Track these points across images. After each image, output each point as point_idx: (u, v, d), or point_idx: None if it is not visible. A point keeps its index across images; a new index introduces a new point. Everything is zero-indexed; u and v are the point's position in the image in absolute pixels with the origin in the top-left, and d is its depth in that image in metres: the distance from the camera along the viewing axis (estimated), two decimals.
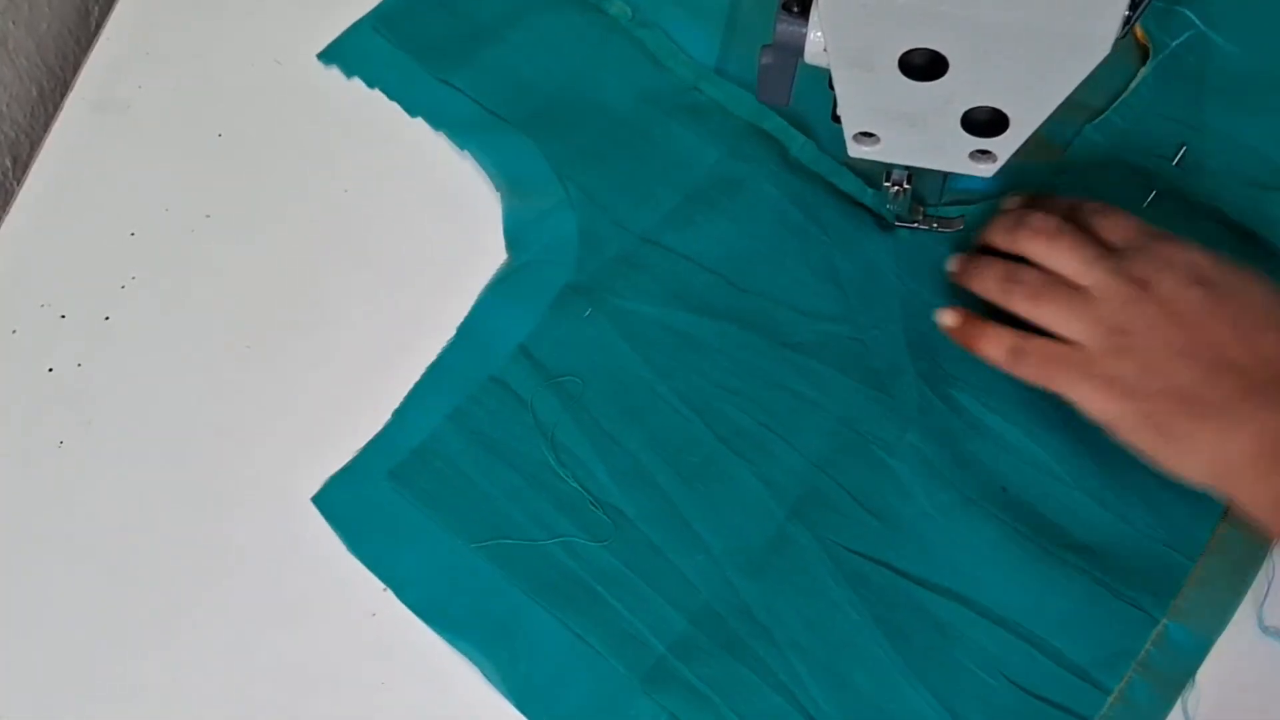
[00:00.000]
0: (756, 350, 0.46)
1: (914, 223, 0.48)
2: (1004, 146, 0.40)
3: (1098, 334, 0.41)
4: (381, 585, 0.43)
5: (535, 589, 0.42)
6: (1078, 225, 0.44)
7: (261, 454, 0.46)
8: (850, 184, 0.50)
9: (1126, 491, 0.43)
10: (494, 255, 0.49)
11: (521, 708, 0.41)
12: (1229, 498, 0.40)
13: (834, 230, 0.48)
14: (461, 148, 0.51)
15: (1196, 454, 0.39)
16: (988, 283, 0.44)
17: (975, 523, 0.43)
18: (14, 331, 0.48)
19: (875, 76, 0.36)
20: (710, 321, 0.47)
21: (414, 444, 0.45)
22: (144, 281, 0.49)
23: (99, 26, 0.55)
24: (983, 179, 0.43)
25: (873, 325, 0.47)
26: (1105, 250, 0.42)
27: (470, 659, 0.42)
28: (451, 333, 0.47)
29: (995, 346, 0.43)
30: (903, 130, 0.40)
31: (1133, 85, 0.51)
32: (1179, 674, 0.41)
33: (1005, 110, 0.37)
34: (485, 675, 0.42)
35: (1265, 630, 0.42)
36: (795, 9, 0.38)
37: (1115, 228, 0.43)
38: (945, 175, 0.46)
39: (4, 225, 0.50)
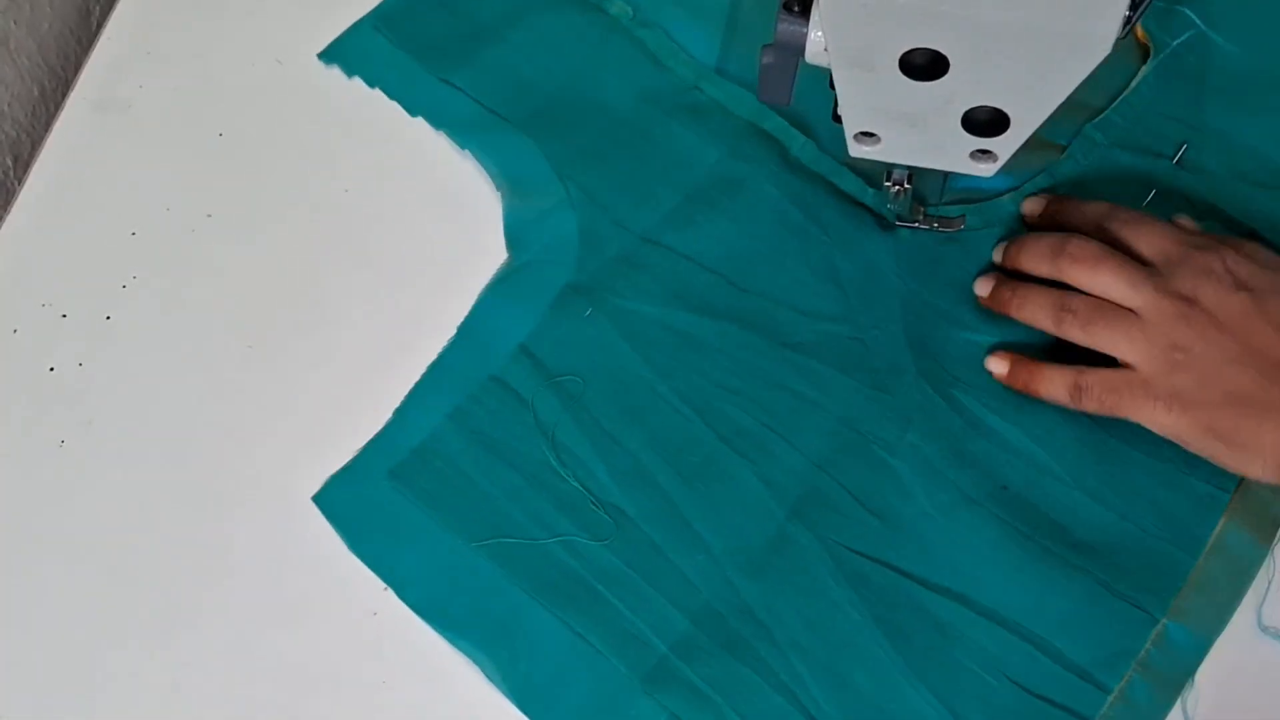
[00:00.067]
0: (757, 350, 0.46)
1: (915, 222, 0.48)
2: (1004, 146, 0.40)
3: (1153, 354, 0.42)
4: (382, 585, 0.43)
5: (536, 588, 0.42)
6: (1111, 239, 0.44)
7: (262, 454, 0.46)
8: (851, 184, 0.50)
9: (1127, 490, 0.43)
10: (494, 255, 0.49)
11: (522, 707, 0.41)
12: None
13: (834, 230, 0.48)
14: (462, 147, 0.51)
15: (1261, 455, 0.40)
16: (1038, 313, 0.44)
17: (976, 522, 0.43)
18: (14, 331, 0.48)
19: (876, 76, 0.36)
20: (711, 321, 0.47)
21: (414, 443, 0.45)
22: (145, 281, 0.49)
23: (100, 26, 0.55)
24: (986, 178, 0.43)
25: (873, 325, 0.47)
26: (1147, 270, 0.43)
27: (471, 658, 0.42)
28: (452, 332, 0.47)
29: (1055, 387, 0.44)
30: (903, 130, 0.40)
31: (1133, 84, 0.51)
32: (1179, 674, 0.41)
33: (1006, 110, 0.37)
34: (486, 674, 0.42)
35: (1264, 630, 0.42)
36: (796, 9, 0.38)
37: (1151, 241, 0.44)
38: (946, 175, 0.46)
39: (5, 225, 0.50)
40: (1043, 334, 0.45)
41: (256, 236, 0.50)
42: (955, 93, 0.36)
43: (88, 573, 0.44)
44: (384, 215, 0.50)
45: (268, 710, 0.42)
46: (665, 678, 0.41)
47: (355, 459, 0.45)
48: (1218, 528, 0.43)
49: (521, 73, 0.52)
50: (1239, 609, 0.42)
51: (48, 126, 0.53)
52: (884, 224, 0.49)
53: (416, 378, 0.46)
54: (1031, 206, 0.48)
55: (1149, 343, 0.42)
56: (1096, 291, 0.43)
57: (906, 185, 0.46)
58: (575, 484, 0.44)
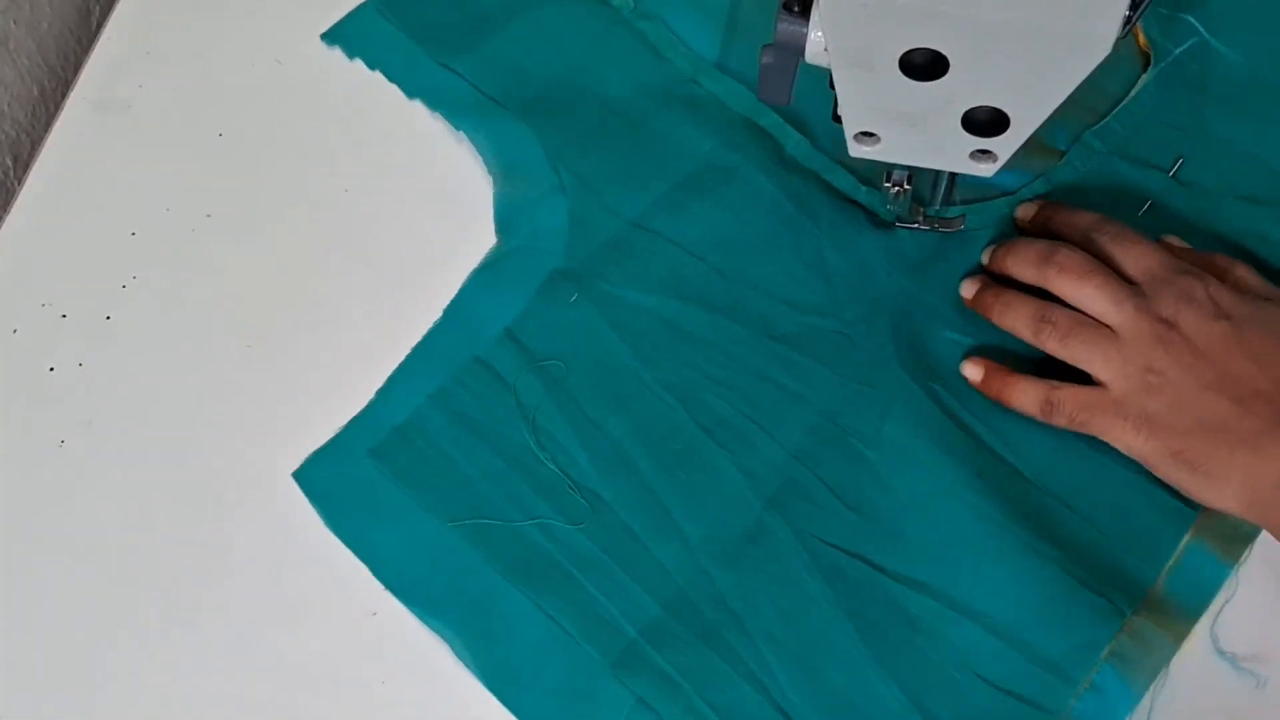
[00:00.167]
0: (742, 341, 0.46)
1: (914, 223, 0.48)
2: (1004, 146, 0.40)
3: (1128, 374, 0.42)
4: (381, 585, 0.43)
5: (511, 570, 0.43)
6: (1098, 252, 0.44)
7: (262, 454, 0.46)
8: (844, 181, 0.50)
9: (1096, 498, 0.44)
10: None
11: (492, 688, 0.41)
12: (1266, 527, 0.41)
13: (826, 224, 0.49)
14: (457, 129, 0.51)
15: (1229, 486, 0.40)
16: (1017, 321, 0.45)
17: (951, 513, 0.43)
18: (14, 331, 0.48)
19: (876, 76, 0.36)
20: (697, 310, 0.47)
21: (396, 423, 0.45)
22: (144, 281, 0.49)
23: (100, 26, 0.55)
24: (990, 177, 0.43)
25: (859, 320, 0.47)
26: (1131, 288, 0.43)
27: (443, 638, 0.42)
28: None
29: (1027, 399, 0.44)
30: (903, 130, 0.40)
31: (1133, 92, 0.51)
32: (1152, 663, 0.41)
33: (1006, 110, 0.37)
34: (457, 655, 0.42)
35: (1221, 654, 0.42)
36: (796, 9, 0.38)
37: (1136, 260, 0.44)
38: (946, 175, 0.46)
39: (5, 225, 0.50)
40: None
41: (256, 236, 0.50)
42: (955, 93, 0.36)
43: (88, 573, 0.44)
44: (384, 215, 0.50)
45: (268, 710, 0.42)
46: (634, 662, 0.41)
47: (336, 437, 0.45)
48: (1182, 543, 0.43)
49: (521, 61, 0.52)
50: (1196, 627, 0.42)
51: (47, 126, 0.53)
52: (876, 221, 0.49)
53: None
54: (1024, 212, 0.48)
55: (1124, 362, 0.42)
56: (1078, 304, 0.43)
57: (906, 186, 0.46)
58: (554, 468, 0.44)
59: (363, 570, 0.43)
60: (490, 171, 0.50)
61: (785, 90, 0.40)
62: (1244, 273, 0.44)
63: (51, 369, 0.47)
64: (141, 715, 0.42)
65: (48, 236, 0.50)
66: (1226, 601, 0.42)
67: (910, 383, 0.45)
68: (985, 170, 0.42)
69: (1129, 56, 0.52)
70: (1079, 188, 0.49)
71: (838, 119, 0.41)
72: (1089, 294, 0.43)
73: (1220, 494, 0.41)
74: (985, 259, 0.48)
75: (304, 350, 0.48)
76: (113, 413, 0.47)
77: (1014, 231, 0.49)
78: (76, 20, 0.60)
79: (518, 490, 0.44)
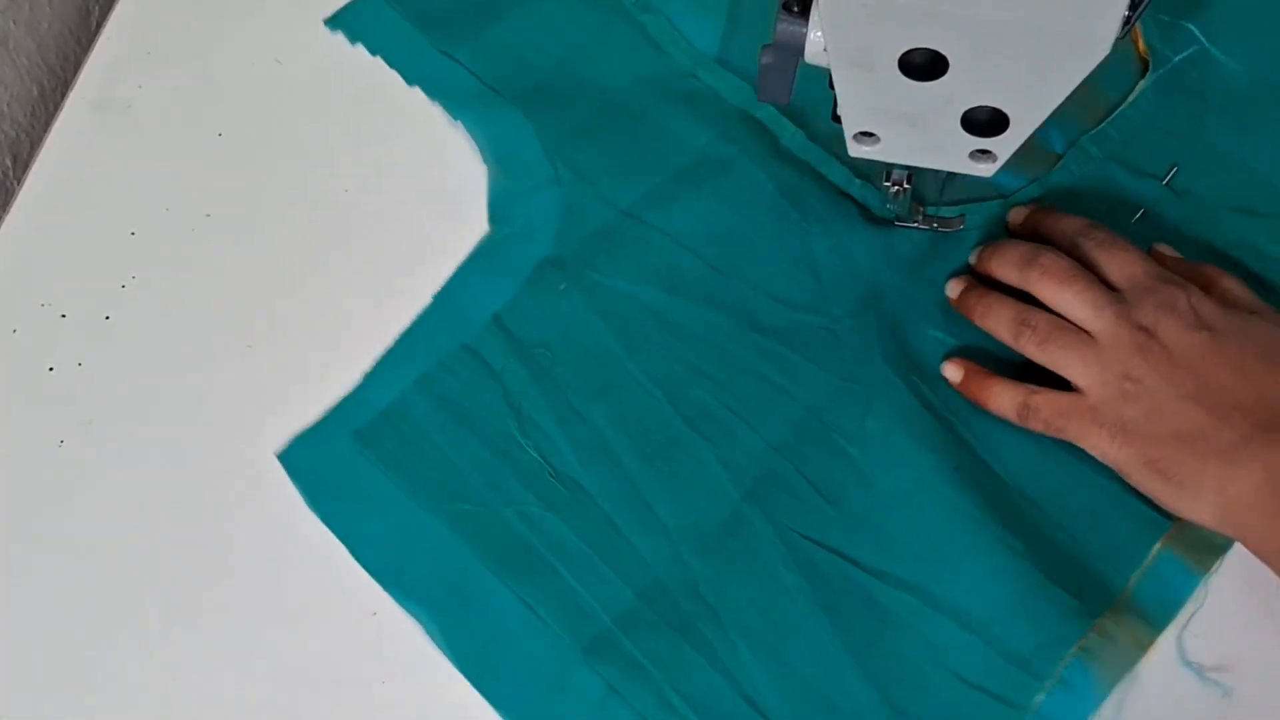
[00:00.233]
0: (728, 334, 0.46)
1: (914, 223, 0.48)
2: (1004, 146, 0.40)
3: (1105, 381, 0.42)
4: (359, 565, 0.43)
5: (489, 556, 0.43)
6: (1083, 257, 0.44)
7: (262, 454, 0.46)
8: (838, 174, 0.50)
9: (1070, 503, 0.44)
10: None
11: (465, 672, 0.42)
12: (1239, 540, 0.41)
13: (816, 218, 0.49)
14: (455, 118, 0.51)
15: (1202, 497, 0.40)
16: (998, 324, 0.45)
17: (928, 508, 0.43)
18: (14, 331, 0.48)
19: (875, 76, 0.36)
20: (685, 302, 0.47)
21: (381, 407, 0.45)
22: (144, 281, 0.49)
23: (99, 26, 0.55)
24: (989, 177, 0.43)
25: (846, 315, 0.47)
26: (1112, 295, 0.43)
27: (419, 621, 0.42)
28: None
29: (1004, 403, 0.44)
30: (903, 130, 0.40)
31: (1130, 98, 0.51)
32: (1120, 663, 0.41)
33: (1005, 110, 0.37)
34: (432, 639, 0.42)
35: (1186, 664, 0.42)
36: (795, 9, 0.38)
37: (1120, 267, 0.44)
38: (945, 175, 0.46)
39: (4, 225, 0.50)
40: None
41: (256, 236, 0.50)
42: (955, 93, 0.36)
43: (88, 573, 0.44)
44: (384, 215, 0.50)
45: (268, 710, 0.42)
46: (606, 649, 0.42)
47: (322, 419, 0.45)
48: (1152, 551, 0.43)
49: (522, 51, 0.53)
50: (1163, 634, 0.42)
51: (47, 126, 0.53)
52: (869, 216, 0.49)
53: None
54: (1016, 215, 0.48)
55: (1102, 369, 0.42)
56: (1059, 308, 0.43)
57: (906, 185, 0.46)
58: (536, 455, 0.44)
59: (362, 570, 0.43)
60: (485, 161, 0.51)
61: (785, 90, 0.40)
62: (1232, 284, 0.44)
63: (51, 369, 0.47)
64: (141, 715, 0.42)
65: (48, 236, 0.50)
66: (1194, 612, 0.42)
67: (894, 379, 0.46)
68: (985, 170, 0.42)
69: (1128, 63, 0.52)
70: (1074, 192, 0.49)
71: (837, 119, 0.41)
72: (1070, 299, 0.43)
73: (1193, 505, 0.41)
74: (972, 259, 0.48)
75: (304, 350, 0.48)
76: (113, 413, 0.47)
77: (1005, 233, 0.49)
78: (76, 20, 0.60)
79: (500, 477, 0.44)
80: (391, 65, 0.53)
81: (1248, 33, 0.52)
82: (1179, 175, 0.49)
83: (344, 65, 0.54)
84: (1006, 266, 0.45)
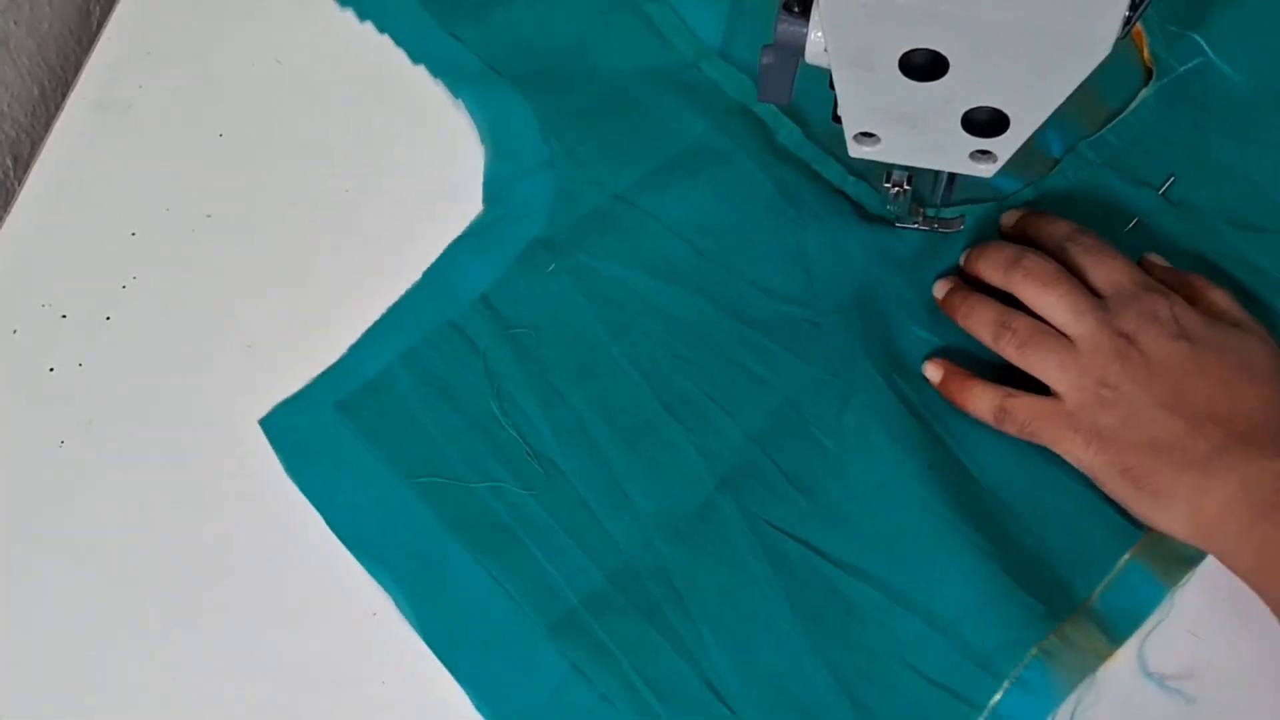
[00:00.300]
0: (713, 322, 0.47)
1: (914, 223, 0.48)
2: (1004, 147, 0.40)
3: (1082, 386, 0.42)
4: (332, 533, 0.44)
5: (461, 530, 0.43)
6: (1070, 262, 0.44)
7: (262, 454, 0.46)
8: (833, 171, 0.50)
9: (1043, 509, 0.44)
10: None
11: (430, 643, 0.42)
12: (1210, 552, 0.41)
13: (809, 212, 0.49)
14: (456, 96, 0.52)
15: (1174, 507, 0.40)
16: (979, 325, 0.45)
17: (899, 504, 0.44)
18: (14, 331, 0.48)
19: (875, 76, 0.36)
20: (672, 289, 0.47)
21: (365, 378, 0.46)
22: (144, 281, 0.49)
23: (100, 26, 0.55)
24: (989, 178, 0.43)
25: (832, 310, 0.47)
26: (1095, 300, 0.43)
27: (387, 591, 0.43)
28: None
29: (981, 405, 0.44)
30: (903, 130, 0.40)
31: (1132, 106, 0.51)
32: (1081, 667, 0.41)
33: (1006, 110, 0.37)
34: (399, 608, 0.42)
35: (1148, 676, 0.41)
36: (796, 9, 0.38)
37: (1106, 274, 0.44)
38: (945, 175, 0.46)
39: (5, 225, 0.50)
40: None
41: (256, 236, 0.50)
42: (955, 93, 0.36)
43: (88, 573, 0.44)
44: (384, 216, 0.50)
45: (268, 710, 0.42)
46: (572, 629, 0.42)
47: (305, 388, 0.46)
48: (1121, 561, 0.43)
49: (527, 35, 0.53)
50: (1127, 645, 0.42)
51: (48, 126, 0.53)
52: (863, 214, 0.49)
53: None
54: (1008, 218, 0.48)
55: (1080, 374, 0.42)
56: (1041, 311, 0.43)
57: (906, 186, 0.46)
58: (514, 434, 0.45)
59: (363, 570, 0.43)
60: (483, 141, 0.51)
61: (785, 91, 0.40)
62: (1219, 296, 0.44)
63: (51, 369, 0.47)
64: (141, 715, 0.42)
65: (48, 236, 0.50)
66: (1159, 623, 0.42)
67: (874, 375, 0.46)
68: (985, 171, 0.42)
69: (1131, 71, 0.52)
70: (1069, 197, 0.49)
71: (838, 119, 0.41)
72: (1051, 303, 0.43)
73: (1165, 514, 0.40)
74: (962, 260, 0.48)
75: (304, 350, 0.48)
76: (113, 413, 0.47)
77: (998, 235, 0.49)
78: (76, 20, 0.60)
79: (477, 453, 0.44)
80: (398, 44, 0.53)
81: (1254, 46, 0.52)
82: (1176, 185, 0.49)
83: (344, 66, 0.54)
84: (991, 268, 0.45)
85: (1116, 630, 0.42)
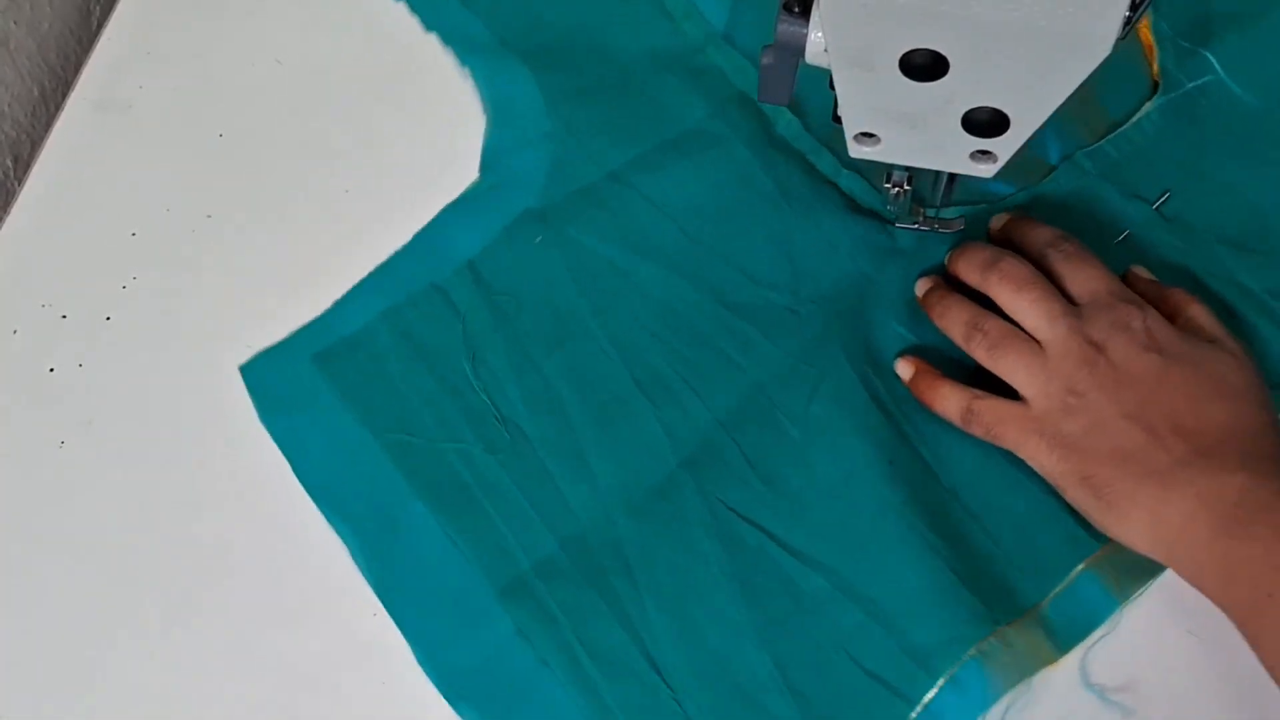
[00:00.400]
0: (694, 304, 0.47)
1: (914, 223, 0.48)
2: (1005, 147, 0.40)
3: (1049, 392, 0.42)
4: (298, 481, 0.44)
5: (422, 488, 0.44)
6: (1049, 268, 0.44)
7: (262, 454, 0.46)
8: (826, 164, 0.50)
9: (1002, 513, 0.44)
10: None
11: (379, 593, 0.43)
12: (1167, 564, 0.40)
13: (800, 204, 0.49)
14: (463, 65, 0.53)
15: (1133, 517, 0.40)
16: (952, 325, 0.45)
17: (856, 496, 0.44)
18: (14, 331, 0.48)
19: (875, 77, 0.36)
20: (656, 268, 0.48)
21: (345, 334, 0.47)
22: (144, 281, 0.49)
23: (100, 26, 0.55)
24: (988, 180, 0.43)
25: (813, 299, 0.47)
26: (1068, 307, 0.43)
27: (344, 541, 0.43)
28: None
29: (949, 405, 0.44)
30: (903, 131, 0.40)
31: (1134, 119, 0.51)
32: (1017, 670, 0.41)
33: (1006, 111, 0.37)
34: (354, 559, 0.43)
35: (1089, 686, 0.41)
36: (796, 9, 0.38)
37: (1084, 281, 0.44)
38: (947, 176, 0.46)
39: (5, 225, 0.50)
40: None
41: (256, 236, 0.50)
42: (955, 93, 0.36)
43: (88, 573, 0.44)
44: (384, 216, 0.50)
45: (268, 710, 0.42)
46: (520, 593, 0.42)
47: (286, 339, 0.47)
48: (1075, 571, 0.43)
49: (539, 10, 0.54)
50: (1068, 658, 0.42)
51: (48, 127, 0.53)
52: (854, 207, 0.49)
53: None
54: (996, 222, 0.48)
55: (1047, 380, 0.42)
56: (1015, 314, 0.43)
57: (906, 186, 0.46)
58: (484, 397, 0.45)
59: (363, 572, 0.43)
60: (485, 111, 0.51)
61: (785, 91, 0.40)
62: (1198, 312, 0.44)
63: (51, 369, 0.47)
64: (141, 715, 0.42)
65: (48, 236, 0.50)
66: (1105, 635, 0.42)
67: (847, 367, 0.46)
68: (985, 171, 0.42)
69: (1138, 83, 0.52)
70: (1061, 205, 0.49)
71: (838, 119, 0.41)
72: (1025, 306, 0.43)
73: (1123, 525, 0.40)
74: (945, 261, 0.48)
75: None
76: (113, 413, 0.47)
77: (986, 238, 0.49)
78: (76, 20, 0.60)
79: (447, 414, 0.45)
80: (413, 11, 0.54)
81: (1267, 68, 0.51)
82: (1171, 202, 0.49)
83: (344, 66, 0.54)
84: (969, 269, 0.45)
85: (1064, 638, 0.42)
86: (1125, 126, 0.51)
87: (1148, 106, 0.51)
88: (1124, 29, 0.32)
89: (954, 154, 0.41)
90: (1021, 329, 0.43)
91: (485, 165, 0.50)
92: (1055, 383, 0.41)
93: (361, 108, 0.53)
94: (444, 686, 0.41)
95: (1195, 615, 0.41)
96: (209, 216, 0.51)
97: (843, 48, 0.35)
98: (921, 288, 0.47)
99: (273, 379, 0.46)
